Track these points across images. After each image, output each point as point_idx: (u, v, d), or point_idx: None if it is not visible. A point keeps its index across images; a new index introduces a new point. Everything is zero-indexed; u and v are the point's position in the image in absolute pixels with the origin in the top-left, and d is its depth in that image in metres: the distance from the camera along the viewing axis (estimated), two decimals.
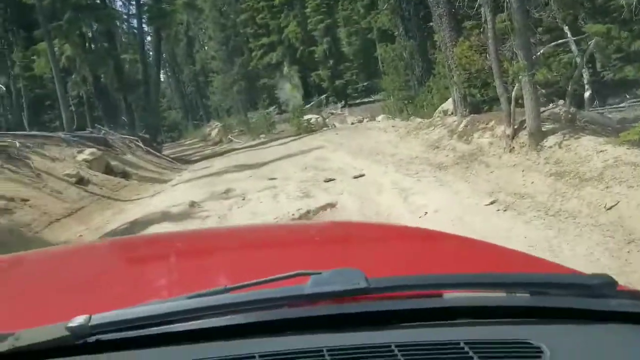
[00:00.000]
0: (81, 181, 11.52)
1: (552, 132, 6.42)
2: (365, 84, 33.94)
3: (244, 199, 7.80)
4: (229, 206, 7.64)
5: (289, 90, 33.55)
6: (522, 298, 0.90)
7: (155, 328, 0.82)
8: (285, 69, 35.54)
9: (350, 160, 9.30)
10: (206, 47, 44.57)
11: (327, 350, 0.78)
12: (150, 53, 30.59)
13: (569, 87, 7.10)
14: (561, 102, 7.48)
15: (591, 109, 10.97)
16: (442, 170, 7.17)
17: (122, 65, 22.80)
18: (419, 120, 12.03)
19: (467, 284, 0.93)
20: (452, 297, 0.91)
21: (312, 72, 35.81)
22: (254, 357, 0.77)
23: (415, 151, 8.68)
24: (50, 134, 14.43)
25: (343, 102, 32.05)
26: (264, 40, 36.50)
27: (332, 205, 6.53)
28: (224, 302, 0.84)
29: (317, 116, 24.81)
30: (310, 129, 21.71)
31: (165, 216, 7.75)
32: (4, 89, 21.36)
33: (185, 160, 20.21)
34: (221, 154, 19.92)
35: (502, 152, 6.84)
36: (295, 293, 0.86)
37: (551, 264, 1.46)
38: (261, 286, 0.90)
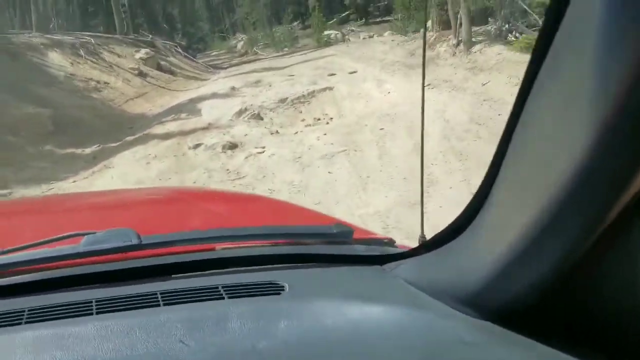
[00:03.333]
0: (141, 74, 14.65)
1: (479, 42, 9.45)
2: (386, 2, 35.63)
3: (270, 86, 10.89)
4: (259, 90, 10.74)
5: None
6: (278, 248, 1.04)
7: None
8: None
9: (351, 63, 12.26)
10: None
11: (95, 301, 0.82)
12: None
13: (501, 10, 9.96)
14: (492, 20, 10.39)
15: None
16: (411, 69, 10.16)
17: None
18: (413, 35, 14.78)
19: (228, 237, 1.04)
20: (222, 249, 1.02)
21: None
22: (23, 311, 0.80)
23: (398, 57, 11.66)
24: (111, 36, 17.44)
25: (364, 20, 34.01)
26: None
27: (330, 88, 9.63)
28: (10, 261, 0.88)
29: (336, 32, 27.06)
30: (329, 43, 24.13)
31: (214, 96, 10.91)
32: None
33: (216, 66, 23.00)
34: (248, 62, 22.56)
35: (449, 56, 9.87)
36: (69, 252, 0.91)
37: (316, 214, 1.75)
38: (38, 247, 0.93)
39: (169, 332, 0.74)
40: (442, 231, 0.87)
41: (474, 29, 9.91)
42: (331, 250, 1.05)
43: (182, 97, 12.33)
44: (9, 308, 0.81)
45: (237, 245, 1.06)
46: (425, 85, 6.68)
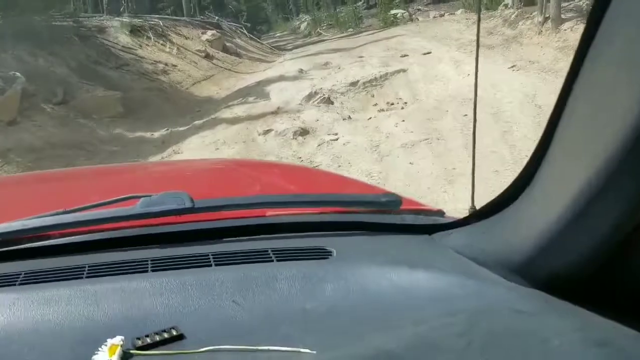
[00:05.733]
0: (208, 56, 14.54)
1: (569, 19, 8.57)
2: None
3: (339, 68, 10.46)
4: (328, 73, 10.33)
5: None
6: (327, 215, 1.07)
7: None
8: None
9: (424, 43, 11.63)
10: None
11: (151, 261, 0.86)
12: None
13: None
14: None
15: None
16: (490, 49, 9.46)
17: None
18: (489, 13, 13.94)
19: (278, 203, 1.07)
20: (272, 216, 1.06)
21: None
22: (83, 267, 0.85)
23: (475, 36, 10.94)
24: (179, 18, 17.45)
25: None
26: None
27: (403, 70, 9.10)
28: (60, 221, 0.93)
29: (403, 11, 26.28)
30: (395, 23, 23.40)
31: (281, 78, 10.60)
32: None
33: (281, 48, 22.78)
34: (313, 43, 22.16)
35: (534, 35, 9.06)
36: (125, 213, 0.95)
37: (367, 186, 1.66)
38: (98, 208, 0.99)
39: (220, 291, 0.78)
40: (493, 201, 0.86)
41: (563, 4, 9.06)
42: (379, 219, 1.05)
43: (249, 80, 12.12)
44: (70, 264, 0.86)
45: (286, 212, 1.07)
46: (510, 66, 6.11)
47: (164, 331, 0.70)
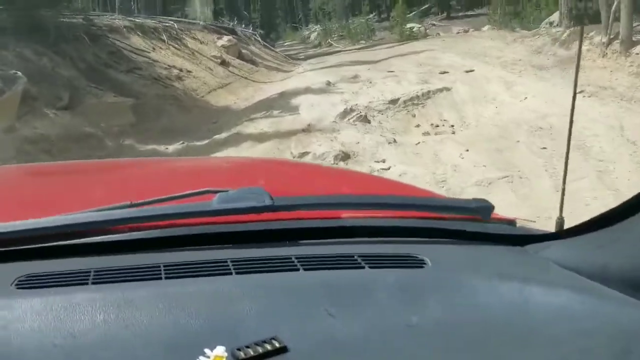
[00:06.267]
0: (224, 63, 13.65)
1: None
2: None
3: (370, 82, 9.58)
4: (359, 87, 9.44)
5: None
6: (412, 220, 0.99)
7: (62, 242, 0.83)
8: None
9: (460, 60, 10.76)
10: None
11: (231, 262, 0.80)
12: None
13: None
14: None
15: None
16: (542, 70, 8.59)
17: None
18: (524, 31, 13.10)
19: (362, 204, 1.00)
20: (351, 218, 0.99)
21: None
22: (159, 266, 0.78)
23: (519, 55, 10.05)
24: (192, 21, 16.57)
25: (445, 14, 32.26)
26: None
27: (447, 89, 8.20)
28: (129, 215, 0.86)
29: (419, 25, 25.55)
30: (413, 37, 22.60)
31: (307, 90, 9.70)
32: None
33: (293, 57, 21.97)
34: (327, 54, 21.33)
35: (596, 57, 8.16)
36: (201, 209, 0.88)
37: (442, 198, 1.63)
38: (168, 202, 0.91)
39: (311, 298, 0.72)
40: (603, 214, 0.82)
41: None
42: (468, 226, 0.98)
43: (268, 90, 11.25)
44: (143, 262, 0.80)
45: (366, 215, 1.02)
46: (578, 92, 5.18)
47: (264, 342, 0.62)
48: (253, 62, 15.80)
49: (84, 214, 0.85)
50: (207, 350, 0.61)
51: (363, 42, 25.02)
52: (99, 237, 0.85)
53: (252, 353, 0.61)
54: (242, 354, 0.61)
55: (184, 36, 13.65)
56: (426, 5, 33.31)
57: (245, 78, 13.35)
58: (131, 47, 11.17)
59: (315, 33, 30.60)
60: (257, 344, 0.62)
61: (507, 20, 17.20)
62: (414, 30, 23.93)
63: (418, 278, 0.78)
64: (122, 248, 0.85)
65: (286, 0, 53.12)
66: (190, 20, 16.43)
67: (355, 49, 21.63)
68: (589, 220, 0.84)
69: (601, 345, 0.63)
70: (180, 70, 11.37)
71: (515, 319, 0.69)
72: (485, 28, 16.72)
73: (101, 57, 10.18)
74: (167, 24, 13.33)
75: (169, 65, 11.26)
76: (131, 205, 0.89)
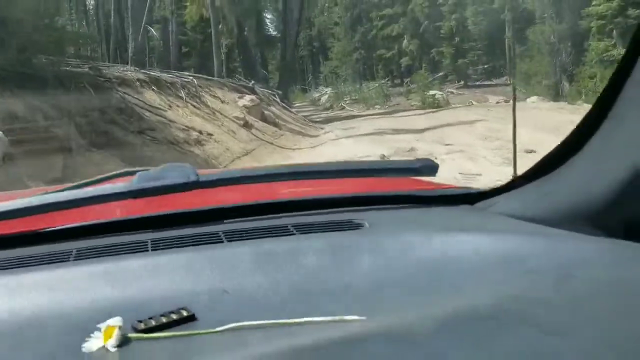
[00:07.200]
0: (246, 125, 12.05)
1: None
2: (485, 66, 33.03)
3: (436, 159, 7.84)
4: None
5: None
6: (355, 188, 0.98)
7: None
8: (405, 42, 35.22)
9: (540, 135, 9.11)
10: (325, 13, 44.94)
11: (151, 241, 0.77)
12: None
13: None
14: None
15: None
16: None
17: (263, 21, 23.37)
18: (585, 105, 11.57)
19: (299, 174, 0.94)
20: (287, 191, 0.97)
21: (431, 49, 35.05)
22: (70, 252, 0.75)
23: None
24: (211, 78, 15.09)
25: (462, 82, 31.40)
26: (387, 11, 36.12)
27: None
28: (45, 202, 0.82)
29: (440, 92, 24.41)
30: (436, 105, 21.32)
31: None
32: (155, 33, 22.60)
33: (309, 119, 20.54)
34: (345, 118, 19.90)
35: None
36: (120, 190, 0.83)
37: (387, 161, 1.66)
38: (92, 186, 0.89)
39: (235, 268, 0.69)
40: (542, 161, 0.83)
41: None
42: (413, 192, 0.99)
43: (297, 159, 9.57)
44: (56, 249, 0.78)
45: (306, 189, 1.01)
46: None
47: (172, 312, 0.59)
48: (276, 125, 14.23)
49: (22, 200, 0.81)
50: (101, 324, 0.55)
51: (378, 107, 23.94)
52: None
53: (153, 323, 0.57)
54: (142, 325, 0.57)
55: (203, 93, 12.10)
56: (441, 73, 32.54)
57: (271, 143, 11.71)
58: (144, 103, 9.50)
59: (327, 95, 29.73)
60: (162, 315, 0.58)
61: (551, 90, 15.84)
62: (436, 97, 22.76)
63: (353, 239, 0.76)
64: (38, 237, 0.83)
65: (298, 63, 52.99)
66: (208, 77, 14.94)
67: (375, 114, 20.31)
68: (532, 168, 0.83)
69: (547, 277, 0.63)
70: (200, 132, 9.69)
71: (458, 267, 0.67)
72: (533, 98, 15.23)
73: (107, 112, 8.49)
74: (185, 79, 11.74)
75: (187, 127, 9.58)
76: (65, 189, 0.87)
